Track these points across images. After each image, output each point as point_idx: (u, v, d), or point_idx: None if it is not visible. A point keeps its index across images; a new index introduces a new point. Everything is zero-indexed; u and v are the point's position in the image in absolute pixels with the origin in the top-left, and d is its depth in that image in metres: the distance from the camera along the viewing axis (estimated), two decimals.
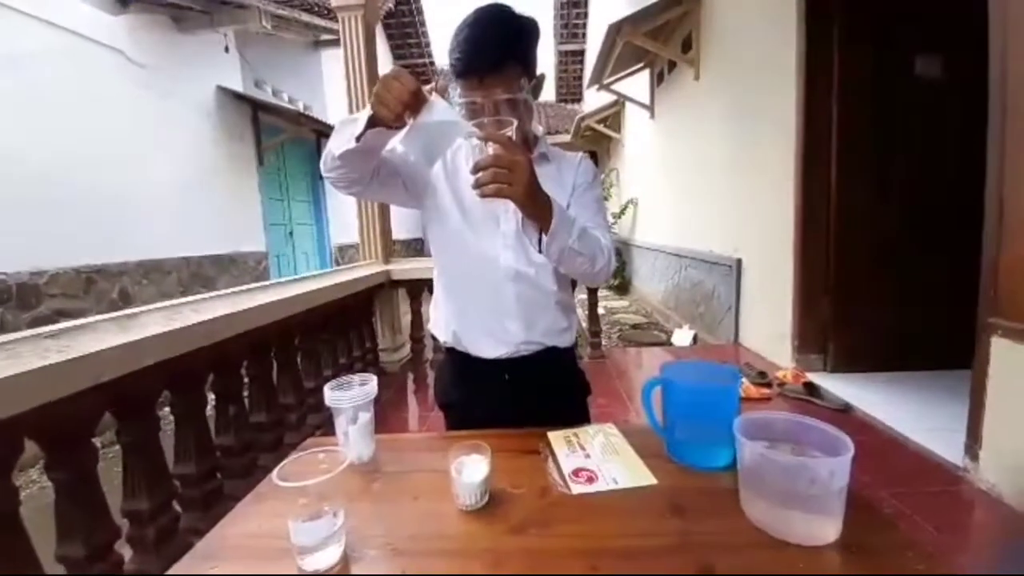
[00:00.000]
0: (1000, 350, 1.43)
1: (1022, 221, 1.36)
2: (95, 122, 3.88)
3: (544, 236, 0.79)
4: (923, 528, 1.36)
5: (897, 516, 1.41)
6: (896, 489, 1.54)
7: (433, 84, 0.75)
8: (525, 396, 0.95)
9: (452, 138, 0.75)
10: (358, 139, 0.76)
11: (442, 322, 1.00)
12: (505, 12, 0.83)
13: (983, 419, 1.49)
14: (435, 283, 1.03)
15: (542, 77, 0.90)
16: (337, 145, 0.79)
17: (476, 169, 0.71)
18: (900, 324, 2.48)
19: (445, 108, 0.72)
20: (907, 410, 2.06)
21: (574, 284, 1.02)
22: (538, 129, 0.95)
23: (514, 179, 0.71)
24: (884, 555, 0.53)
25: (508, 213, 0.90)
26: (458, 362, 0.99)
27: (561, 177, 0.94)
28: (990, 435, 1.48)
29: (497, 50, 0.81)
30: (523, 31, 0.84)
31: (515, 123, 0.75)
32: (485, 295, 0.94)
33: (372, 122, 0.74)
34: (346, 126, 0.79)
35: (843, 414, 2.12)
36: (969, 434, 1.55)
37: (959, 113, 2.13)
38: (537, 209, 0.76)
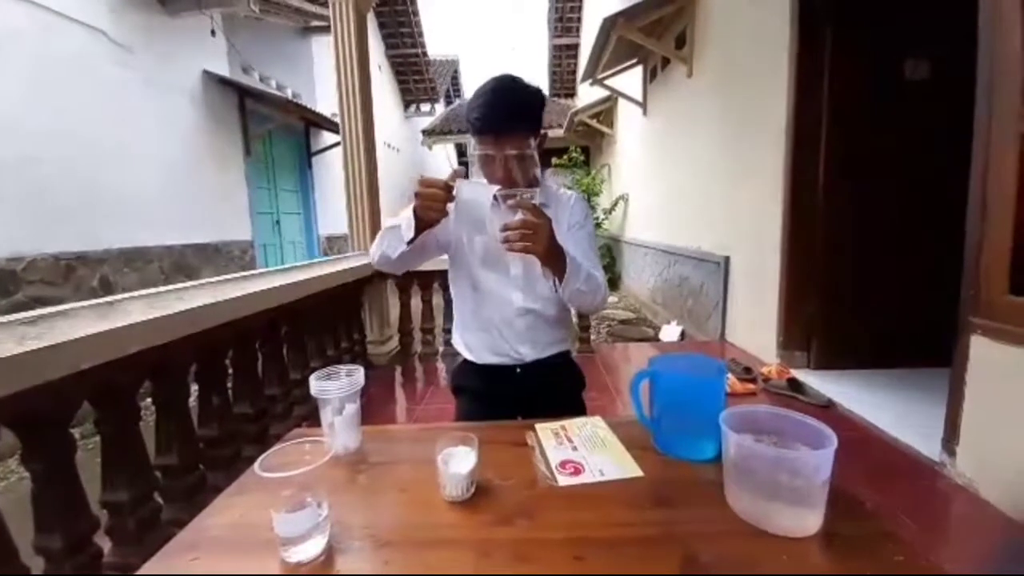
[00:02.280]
0: (979, 349, 1.46)
1: (1004, 223, 1.39)
2: (75, 104, 3.77)
3: (559, 281, 0.96)
4: (902, 521, 1.39)
5: (876, 508, 1.44)
6: (876, 483, 1.57)
7: (451, 173, 0.91)
8: (529, 389, 1.13)
9: (486, 202, 0.88)
10: (410, 242, 0.95)
11: (462, 344, 1.20)
12: (518, 84, 1.01)
13: (961, 416, 1.52)
14: (456, 313, 1.21)
15: (545, 134, 1.06)
16: (392, 250, 1.00)
17: (505, 229, 0.86)
18: (882, 322, 2.53)
19: (469, 185, 0.88)
20: (887, 407, 2.10)
21: None
22: (538, 174, 1.06)
23: (537, 239, 0.87)
24: (865, 546, 0.54)
25: (516, 260, 1.08)
26: (476, 366, 1.17)
27: (557, 219, 1.04)
28: (967, 431, 1.51)
29: (510, 117, 0.97)
30: (533, 100, 1.01)
31: (538, 191, 0.93)
32: (499, 326, 1.12)
33: (420, 224, 0.92)
34: (391, 232, 1.00)
35: (825, 410, 2.15)
36: (947, 430, 1.58)
37: (946, 118, 2.15)
38: (555, 261, 0.93)
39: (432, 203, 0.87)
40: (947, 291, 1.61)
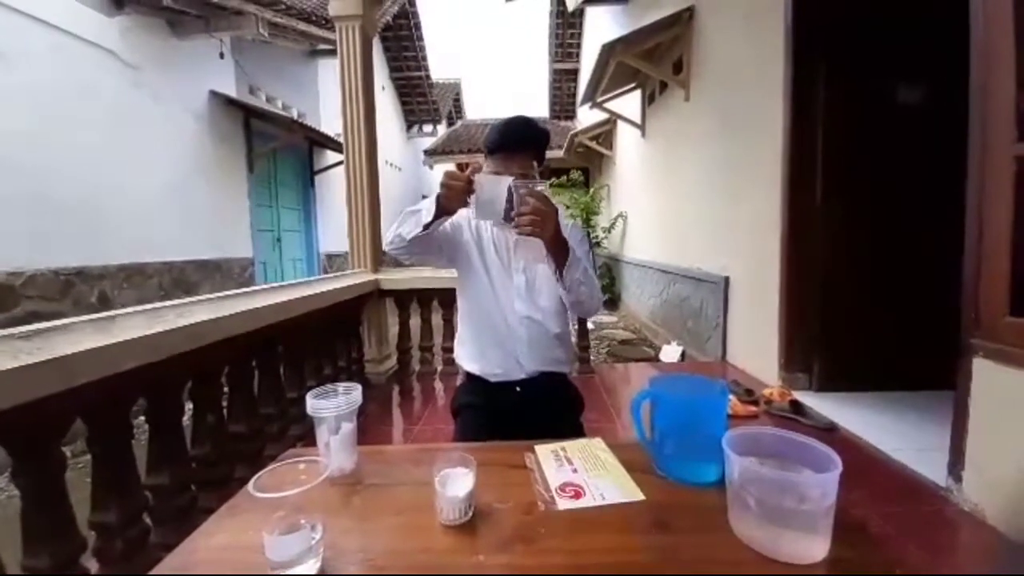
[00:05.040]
0: (981, 371, 1.45)
1: (1001, 244, 1.40)
2: (82, 121, 3.83)
3: (562, 271, 1.07)
4: (908, 547, 1.36)
5: (881, 535, 1.41)
6: (881, 508, 1.54)
7: (472, 168, 1.04)
8: (529, 408, 1.18)
9: (503, 194, 1.00)
10: (427, 227, 1.06)
11: (465, 357, 1.28)
12: (529, 120, 1.20)
13: (966, 439, 1.50)
14: (460, 324, 1.31)
15: (548, 164, 1.25)
16: (407, 231, 1.09)
17: (519, 214, 0.98)
18: (885, 344, 2.51)
19: (489, 180, 1.00)
20: (891, 430, 2.07)
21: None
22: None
23: (545, 225, 0.98)
24: (873, 574, 0.52)
25: (519, 272, 1.21)
26: (479, 381, 1.25)
27: None
28: (973, 455, 1.49)
29: (520, 141, 1.16)
30: (539, 133, 1.19)
31: (548, 183, 1.08)
32: (503, 334, 1.21)
33: (439, 213, 1.05)
34: (411, 216, 1.11)
35: (828, 433, 2.12)
36: (952, 454, 1.56)
37: (941, 140, 2.18)
38: (558, 247, 1.04)
39: (453, 193, 1.00)
40: (950, 312, 1.60)
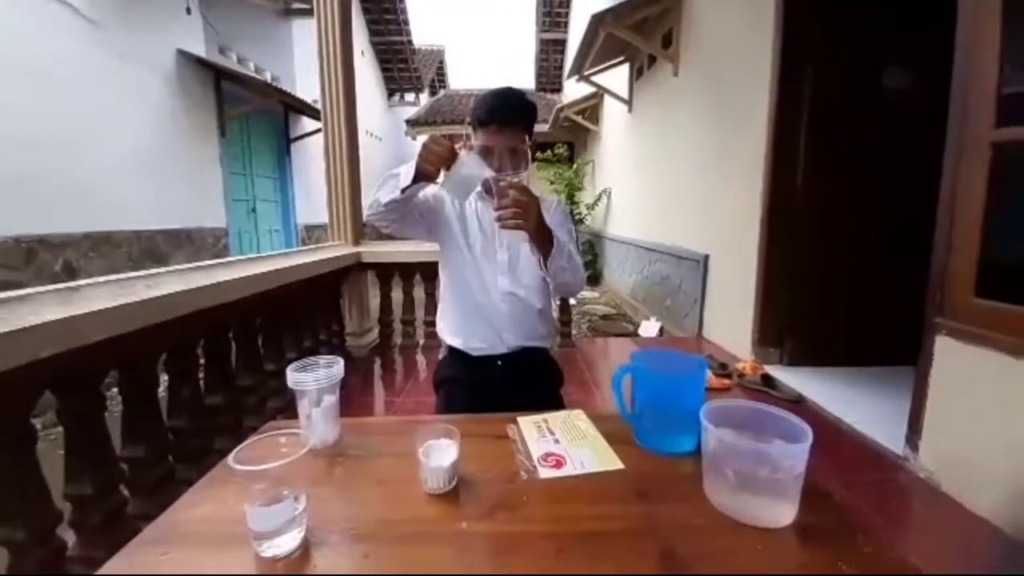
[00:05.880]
0: (943, 348, 1.52)
1: (972, 227, 1.44)
2: (40, 80, 3.58)
3: (546, 258, 1.05)
4: (865, 512, 1.45)
5: (843, 501, 1.49)
6: (842, 475, 1.63)
7: (463, 143, 1.02)
8: (510, 382, 1.20)
9: (479, 180, 0.98)
10: (404, 191, 1.02)
11: (448, 331, 1.27)
12: (520, 92, 1.19)
13: (924, 412, 1.58)
14: (443, 299, 1.30)
15: (535, 140, 1.23)
16: (384, 196, 1.06)
17: (500, 207, 0.95)
18: (853, 322, 2.61)
19: (473, 160, 0.96)
20: (855, 402, 2.17)
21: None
22: (527, 171, 1.18)
23: (527, 216, 0.96)
24: (836, 538, 0.55)
25: (503, 248, 1.21)
26: (460, 355, 1.25)
27: None
28: (930, 427, 1.58)
29: (513, 113, 1.14)
30: (530, 106, 1.18)
31: (528, 173, 1.09)
32: (485, 310, 1.20)
33: (417, 177, 1.00)
34: (390, 180, 1.06)
35: (796, 404, 2.22)
36: (910, 426, 1.65)
37: (921, 125, 2.21)
38: (542, 237, 1.02)
39: (434, 158, 0.95)
40: (916, 293, 1.66)
